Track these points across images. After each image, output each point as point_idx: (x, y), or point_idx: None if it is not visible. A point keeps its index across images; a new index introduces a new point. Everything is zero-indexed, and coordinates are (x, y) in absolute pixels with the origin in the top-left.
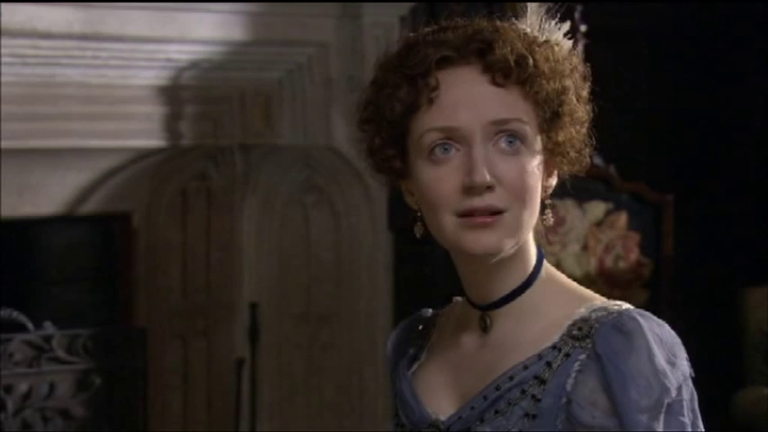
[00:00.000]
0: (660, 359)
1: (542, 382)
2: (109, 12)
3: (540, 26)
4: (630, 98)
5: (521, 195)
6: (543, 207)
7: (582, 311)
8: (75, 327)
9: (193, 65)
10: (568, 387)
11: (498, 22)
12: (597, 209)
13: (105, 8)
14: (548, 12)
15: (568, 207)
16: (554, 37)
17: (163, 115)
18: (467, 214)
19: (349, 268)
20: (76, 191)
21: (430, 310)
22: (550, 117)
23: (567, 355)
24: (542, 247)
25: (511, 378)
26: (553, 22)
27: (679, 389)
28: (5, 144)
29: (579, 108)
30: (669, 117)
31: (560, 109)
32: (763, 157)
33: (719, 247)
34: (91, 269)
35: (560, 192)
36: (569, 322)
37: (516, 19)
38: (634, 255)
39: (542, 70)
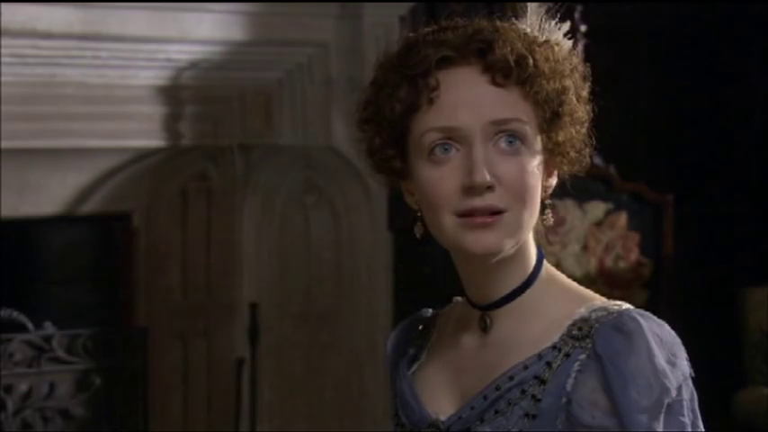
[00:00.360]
0: (660, 359)
1: (542, 382)
2: (109, 12)
3: (540, 26)
4: (630, 98)
5: (521, 195)
6: (543, 207)
7: (582, 311)
8: (75, 327)
9: (193, 65)
10: (568, 387)
11: (498, 22)
12: (597, 209)
13: (105, 8)
14: (548, 12)
15: (568, 207)
16: (554, 37)
17: (163, 115)
18: (467, 214)
19: (349, 268)
20: (76, 191)
21: (430, 310)
22: (550, 117)
23: (567, 355)
24: (542, 247)
25: (511, 378)
26: (553, 22)
27: (679, 389)
28: (5, 144)
29: (579, 108)
30: (669, 117)
31: (560, 109)
32: (763, 157)
33: (719, 247)
34: (91, 269)
35: (560, 192)
36: (569, 322)
37: (516, 19)
38: (634, 255)
39: (542, 70)
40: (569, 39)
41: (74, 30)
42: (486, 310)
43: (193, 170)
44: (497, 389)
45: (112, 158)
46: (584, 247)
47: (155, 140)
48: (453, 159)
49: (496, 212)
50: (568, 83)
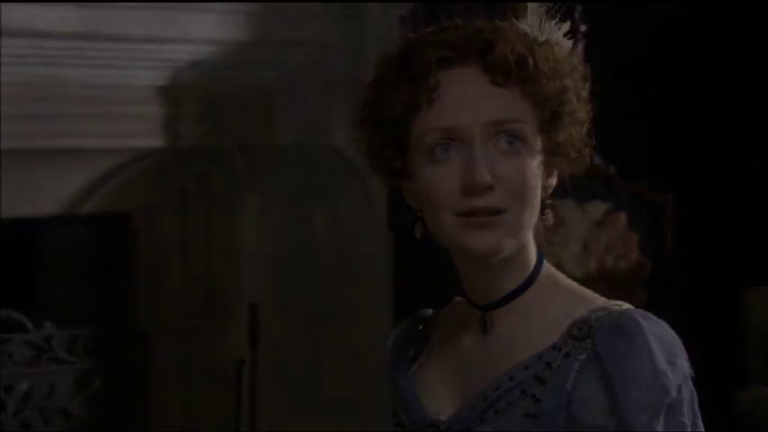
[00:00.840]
0: (660, 359)
1: (542, 382)
2: (109, 12)
3: (540, 26)
4: (630, 98)
5: (521, 195)
6: (543, 207)
7: (582, 311)
8: (76, 327)
9: (193, 65)
10: (568, 387)
11: (498, 22)
12: (597, 209)
13: (105, 8)
14: (548, 12)
15: (568, 207)
16: (554, 37)
17: (163, 115)
18: (467, 214)
19: (349, 268)
20: (76, 191)
21: (430, 310)
22: (550, 117)
23: (568, 355)
24: (542, 247)
25: (511, 378)
26: (553, 22)
27: (679, 389)
28: (5, 144)
29: (579, 108)
30: (669, 117)
31: (560, 109)
32: (763, 157)
33: (719, 247)
34: (91, 269)
35: (560, 192)
36: (569, 322)
37: (516, 19)
38: (634, 255)
39: (542, 70)
40: (569, 39)
41: (74, 30)
42: (486, 311)
43: (193, 170)
44: (497, 389)
45: (112, 158)
46: (585, 247)
47: (155, 140)
48: (453, 159)
49: (496, 212)
50: (568, 83)
